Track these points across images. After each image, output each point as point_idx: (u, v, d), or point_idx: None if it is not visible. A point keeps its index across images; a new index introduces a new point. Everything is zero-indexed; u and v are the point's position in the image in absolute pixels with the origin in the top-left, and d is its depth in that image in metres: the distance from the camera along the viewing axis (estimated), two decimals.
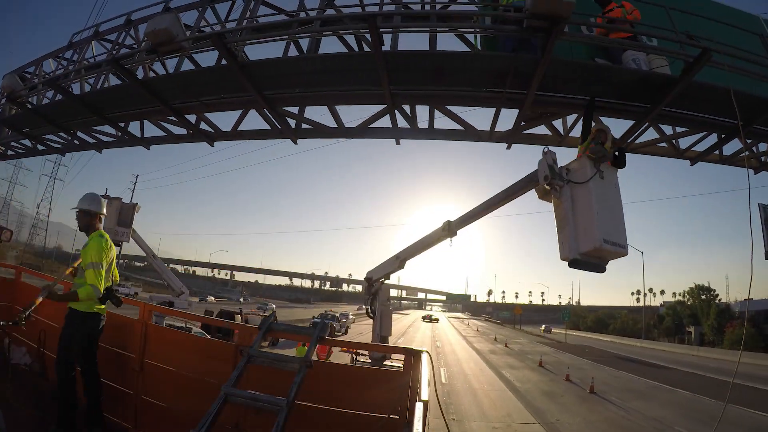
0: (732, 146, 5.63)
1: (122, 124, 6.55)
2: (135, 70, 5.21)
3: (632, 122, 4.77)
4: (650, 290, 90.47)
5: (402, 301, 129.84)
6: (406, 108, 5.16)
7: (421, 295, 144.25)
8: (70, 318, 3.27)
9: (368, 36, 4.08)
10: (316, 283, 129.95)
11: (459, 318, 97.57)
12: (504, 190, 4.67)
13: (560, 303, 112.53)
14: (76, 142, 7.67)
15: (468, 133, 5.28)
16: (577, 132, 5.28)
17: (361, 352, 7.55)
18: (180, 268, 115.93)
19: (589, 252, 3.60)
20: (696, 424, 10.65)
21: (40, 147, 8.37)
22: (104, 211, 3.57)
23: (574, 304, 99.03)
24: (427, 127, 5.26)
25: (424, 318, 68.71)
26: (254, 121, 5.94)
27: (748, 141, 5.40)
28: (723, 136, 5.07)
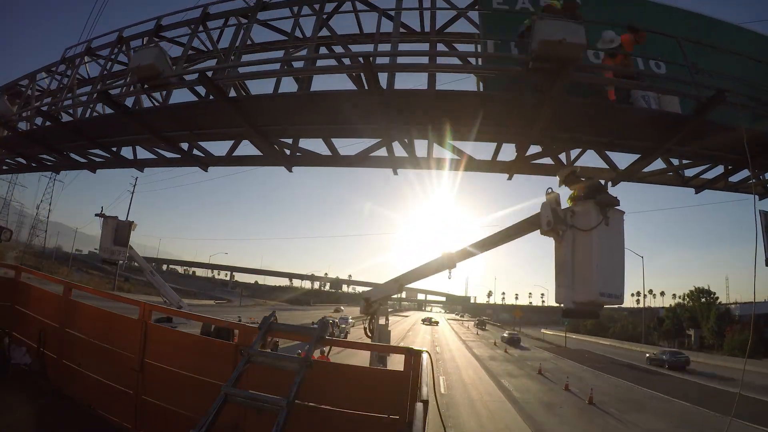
0: (738, 174, 5.56)
1: (114, 149, 6.50)
2: (123, 101, 5.15)
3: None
4: (650, 291, 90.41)
5: (402, 302, 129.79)
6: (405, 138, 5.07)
7: (420, 296, 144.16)
8: None
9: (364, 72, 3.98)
10: (316, 284, 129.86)
11: (458, 320, 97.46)
12: (504, 230, 4.56)
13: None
14: (69, 162, 7.62)
15: (468, 164, 5.21)
16: (582, 161, 5.21)
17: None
18: (180, 269, 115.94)
19: (584, 302, 3.56)
20: None
21: (33, 164, 8.32)
22: None
23: None
24: (425, 156, 5.18)
25: (423, 321, 68.61)
26: (249, 146, 5.88)
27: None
28: (730, 167, 4.99)
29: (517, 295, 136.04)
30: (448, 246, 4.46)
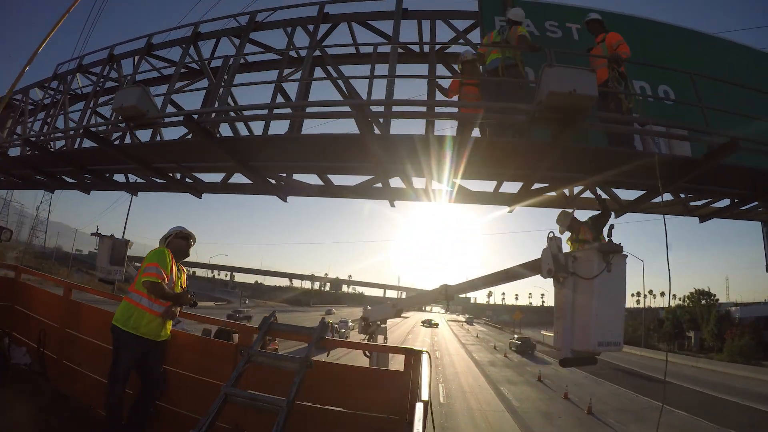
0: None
1: (107, 174, 6.43)
2: (109, 136, 5.08)
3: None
4: (650, 292, 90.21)
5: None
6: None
7: None
8: None
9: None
10: (316, 285, 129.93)
11: (458, 321, 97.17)
12: (504, 270, 4.44)
13: None
14: (61, 182, 7.57)
15: (469, 196, 5.14)
16: (586, 193, 5.08)
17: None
18: None
19: (581, 351, 3.51)
20: None
21: (27, 183, 8.29)
22: None
23: None
24: (423, 188, 5.08)
25: (423, 323, 68.45)
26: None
27: None
28: (736, 200, 4.88)
29: (517, 295, 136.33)
30: (447, 278, 4.32)
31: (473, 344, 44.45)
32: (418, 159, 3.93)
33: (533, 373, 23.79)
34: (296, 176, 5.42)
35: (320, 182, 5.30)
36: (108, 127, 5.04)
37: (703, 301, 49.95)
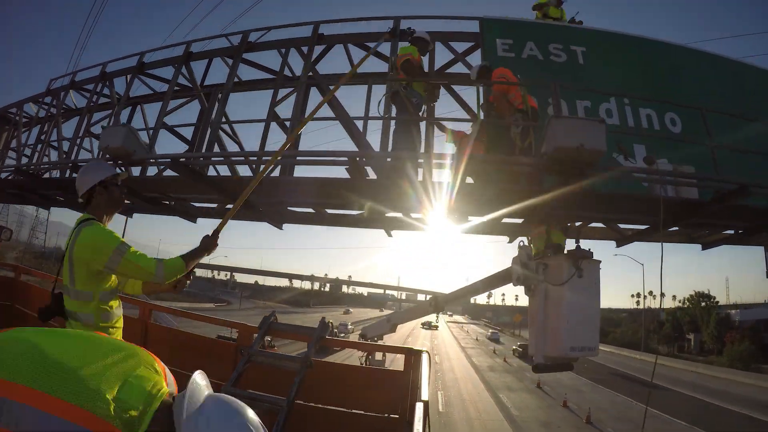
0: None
1: None
2: None
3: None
4: (650, 293, 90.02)
5: (402, 304, 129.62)
6: None
7: (421, 297, 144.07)
8: None
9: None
10: (316, 285, 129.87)
11: (458, 323, 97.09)
12: (482, 281, 4.50)
13: None
14: (56, 202, 7.47)
15: (467, 228, 4.92)
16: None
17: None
18: None
19: (554, 357, 3.53)
20: None
21: (24, 200, 8.25)
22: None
23: None
24: (420, 218, 4.94)
25: (423, 325, 68.36)
26: None
27: None
28: (740, 231, 4.76)
29: (517, 296, 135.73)
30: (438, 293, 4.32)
31: (473, 347, 44.41)
32: (413, 201, 3.82)
33: (533, 379, 23.69)
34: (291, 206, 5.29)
35: (315, 211, 5.19)
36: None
37: (703, 303, 49.85)
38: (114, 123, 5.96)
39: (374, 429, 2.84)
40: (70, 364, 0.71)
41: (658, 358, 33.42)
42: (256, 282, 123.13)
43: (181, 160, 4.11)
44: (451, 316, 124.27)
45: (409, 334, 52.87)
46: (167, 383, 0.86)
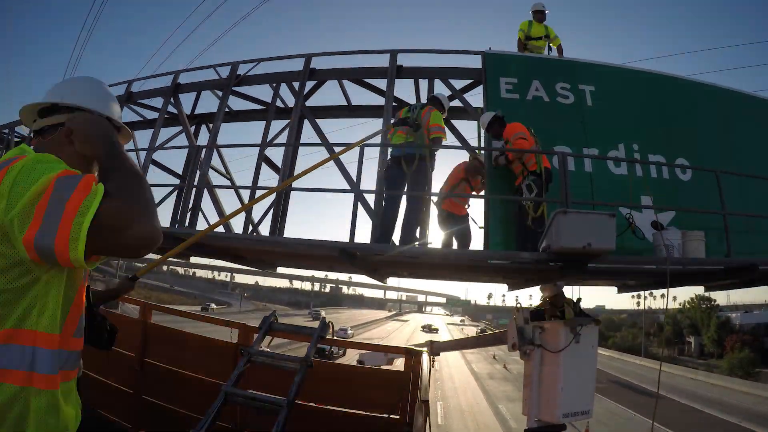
0: None
1: None
2: None
3: None
4: (650, 293, 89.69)
5: (402, 305, 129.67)
6: None
7: (421, 298, 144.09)
8: None
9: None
10: (317, 286, 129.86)
11: (458, 325, 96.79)
12: (478, 337, 4.45)
13: None
14: None
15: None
16: None
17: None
18: (180, 270, 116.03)
19: (547, 422, 3.41)
20: None
21: None
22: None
23: None
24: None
25: (423, 328, 68.11)
26: None
27: None
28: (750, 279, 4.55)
29: (517, 297, 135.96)
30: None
31: (472, 353, 44.11)
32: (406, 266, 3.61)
33: None
34: None
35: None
36: None
37: (704, 306, 49.68)
38: None
39: (374, 429, 2.85)
40: None
41: (657, 363, 33.13)
42: (256, 282, 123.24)
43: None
44: (452, 316, 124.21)
45: (409, 338, 52.68)
46: None
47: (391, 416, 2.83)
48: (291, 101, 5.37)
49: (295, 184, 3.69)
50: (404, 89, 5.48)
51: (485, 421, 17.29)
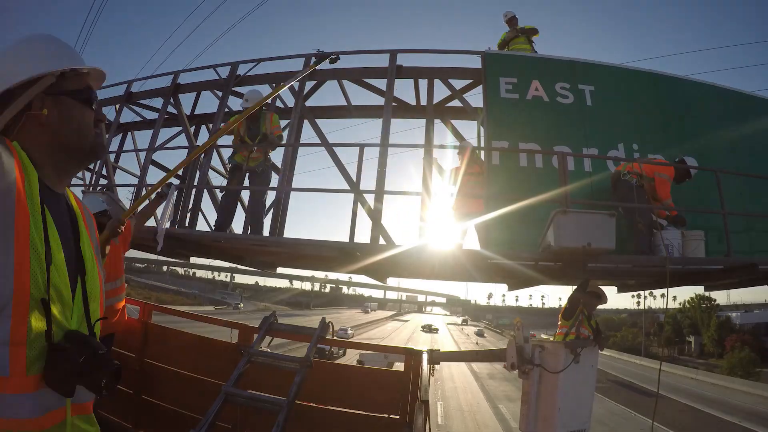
0: None
1: None
2: None
3: None
4: (650, 293, 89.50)
5: (402, 305, 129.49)
6: None
7: (421, 298, 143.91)
8: None
9: None
10: (317, 286, 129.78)
11: (458, 325, 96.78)
12: (478, 352, 4.52)
13: (560, 306, 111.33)
14: None
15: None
16: None
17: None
18: (180, 270, 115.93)
19: None
20: None
21: None
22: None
23: None
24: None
25: (423, 328, 68.09)
26: None
27: None
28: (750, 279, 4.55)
29: (517, 297, 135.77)
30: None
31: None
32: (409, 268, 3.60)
33: None
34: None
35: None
36: None
37: (704, 305, 49.68)
38: (101, 159, 5.72)
39: (375, 429, 2.84)
40: None
41: (657, 363, 33.06)
42: (256, 282, 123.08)
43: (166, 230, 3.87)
44: (450, 316, 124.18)
45: (410, 338, 52.68)
46: None
47: (391, 416, 2.83)
48: (291, 101, 5.37)
49: (295, 184, 3.69)
50: (404, 89, 5.48)
51: (485, 421, 17.27)
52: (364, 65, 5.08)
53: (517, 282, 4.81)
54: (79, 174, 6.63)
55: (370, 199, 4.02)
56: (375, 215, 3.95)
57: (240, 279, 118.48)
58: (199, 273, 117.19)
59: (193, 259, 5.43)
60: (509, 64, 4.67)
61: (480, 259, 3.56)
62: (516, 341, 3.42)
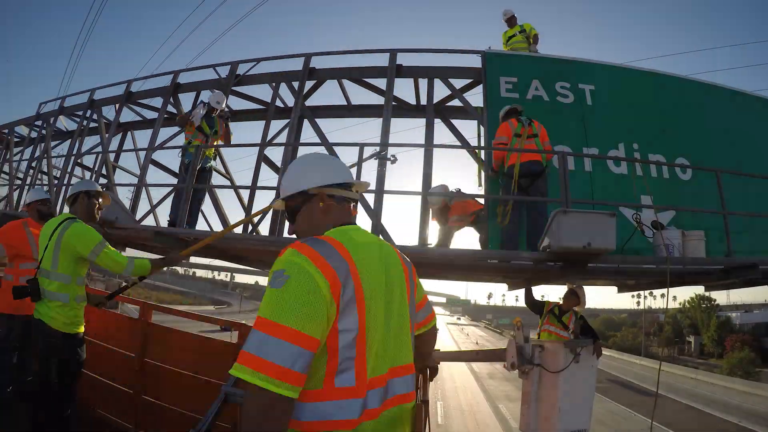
0: None
1: None
2: None
3: None
4: (650, 293, 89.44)
5: None
6: None
7: None
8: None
9: None
10: None
11: (458, 325, 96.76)
12: (478, 351, 4.60)
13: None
14: None
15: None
16: None
17: None
18: (180, 270, 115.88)
19: None
20: None
21: None
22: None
23: None
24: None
25: None
26: None
27: None
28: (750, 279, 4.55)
29: (517, 297, 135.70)
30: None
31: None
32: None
33: None
34: None
35: None
36: None
37: (704, 305, 49.70)
38: (101, 159, 5.73)
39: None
40: None
41: (657, 363, 33.01)
42: (256, 282, 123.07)
43: (166, 230, 3.88)
44: (452, 316, 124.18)
45: None
46: None
47: None
48: (291, 101, 5.37)
49: None
50: (404, 89, 5.48)
51: (485, 421, 17.27)
52: (364, 65, 5.08)
53: (517, 282, 4.81)
54: (80, 174, 6.65)
55: (370, 199, 4.02)
56: (375, 215, 3.95)
57: (240, 279, 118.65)
58: (199, 273, 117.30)
59: (193, 259, 5.43)
60: (509, 64, 4.67)
61: (480, 259, 3.57)
62: (516, 341, 3.48)
